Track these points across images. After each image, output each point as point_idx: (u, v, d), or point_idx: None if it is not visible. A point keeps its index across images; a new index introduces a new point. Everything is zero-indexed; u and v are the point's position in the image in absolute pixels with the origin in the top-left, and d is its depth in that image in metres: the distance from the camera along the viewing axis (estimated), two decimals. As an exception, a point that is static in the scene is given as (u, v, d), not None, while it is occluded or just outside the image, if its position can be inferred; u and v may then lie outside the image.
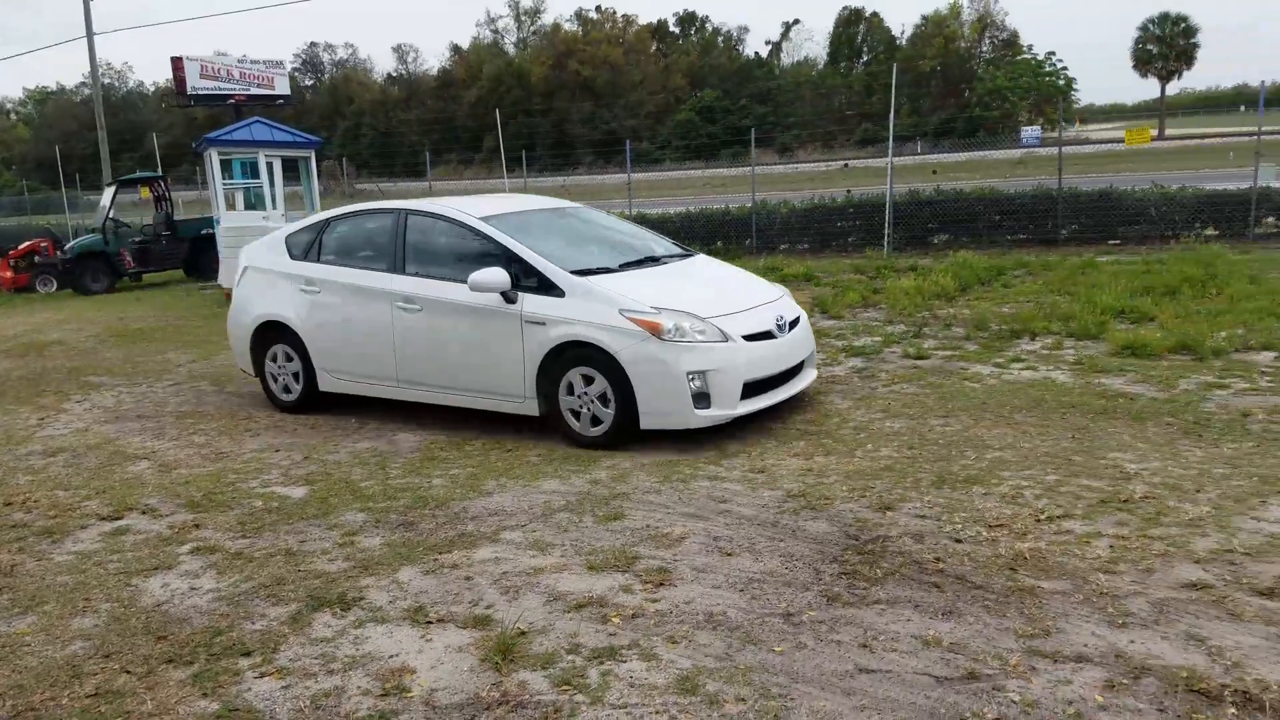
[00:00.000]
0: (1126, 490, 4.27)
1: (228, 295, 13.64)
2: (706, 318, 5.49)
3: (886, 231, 14.66)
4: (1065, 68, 62.28)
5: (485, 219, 6.14)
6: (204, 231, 17.59)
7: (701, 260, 6.80)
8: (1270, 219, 13.81)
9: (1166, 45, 64.71)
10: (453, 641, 3.29)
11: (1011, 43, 69.66)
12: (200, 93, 30.54)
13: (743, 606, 3.41)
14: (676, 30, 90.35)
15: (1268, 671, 2.76)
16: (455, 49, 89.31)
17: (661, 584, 3.63)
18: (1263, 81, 17.31)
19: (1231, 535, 3.70)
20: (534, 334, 5.63)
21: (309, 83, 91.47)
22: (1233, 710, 2.59)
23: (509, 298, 5.69)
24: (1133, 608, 3.21)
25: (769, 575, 3.65)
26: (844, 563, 3.72)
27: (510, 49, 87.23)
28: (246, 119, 16.42)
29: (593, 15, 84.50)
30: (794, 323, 6.02)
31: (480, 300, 5.78)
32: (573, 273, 5.72)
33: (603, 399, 5.51)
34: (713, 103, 71.97)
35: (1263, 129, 15.59)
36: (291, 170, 17.42)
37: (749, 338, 5.55)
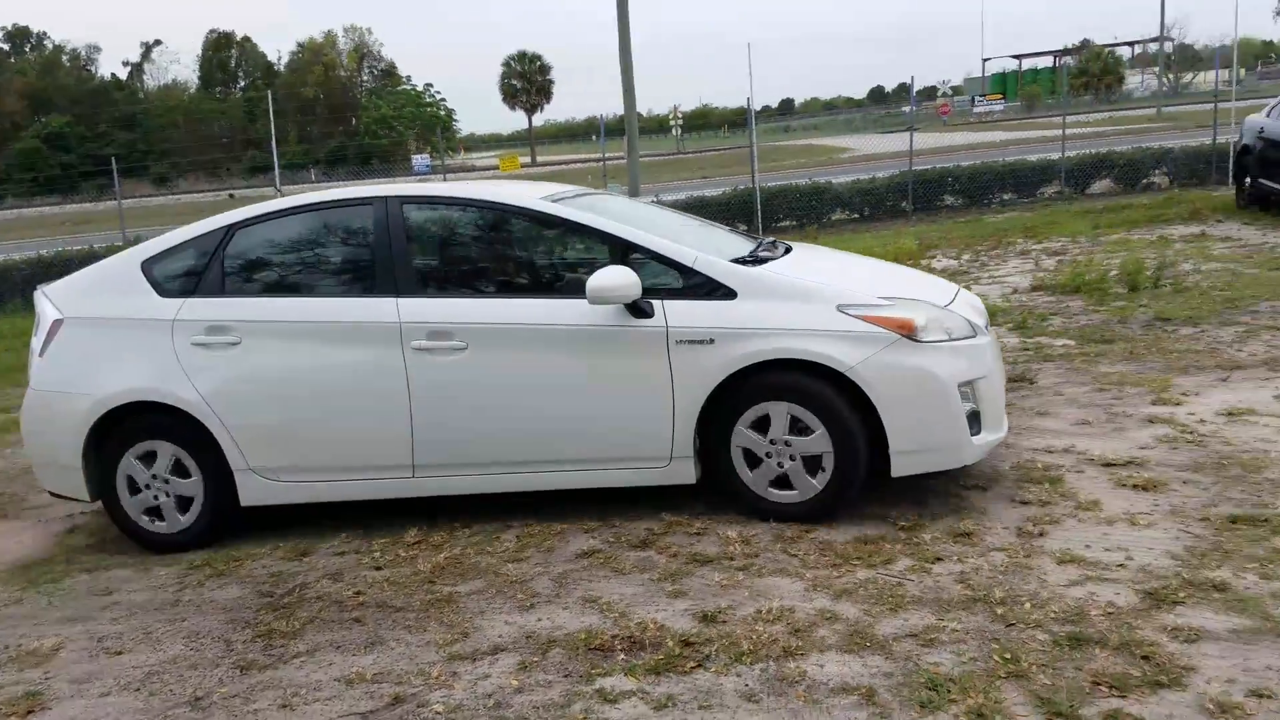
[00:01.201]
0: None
1: None
2: (945, 306, 4.06)
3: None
4: (444, 99, 67.33)
5: (551, 199, 4.33)
6: None
7: (808, 247, 5.36)
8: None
9: (528, 81, 73.81)
10: None
11: (390, 73, 73.17)
12: None
13: (139, 708, 2.98)
14: (7, 47, 76.76)
15: (645, 613, 3.26)
16: None
17: (30, 712, 3.01)
18: (601, 115, 20.75)
19: (609, 501, 4.31)
20: (693, 358, 3.88)
21: None
22: (623, 656, 3.00)
23: (641, 309, 3.90)
24: (538, 588, 3.55)
25: (171, 663, 3.26)
26: (258, 625, 3.49)
27: None
28: None
29: None
30: None
31: (588, 319, 3.94)
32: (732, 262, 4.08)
33: (809, 446, 3.85)
34: (64, 129, 62.73)
35: (606, 155, 18.73)
36: None
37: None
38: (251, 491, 4.26)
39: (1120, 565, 3.29)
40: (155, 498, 4.31)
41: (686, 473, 4.01)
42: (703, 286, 3.94)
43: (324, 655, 3.21)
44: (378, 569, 3.88)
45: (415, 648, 3.19)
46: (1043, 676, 2.65)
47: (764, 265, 4.16)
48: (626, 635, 3.11)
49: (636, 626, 3.16)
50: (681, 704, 2.70)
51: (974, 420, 3.84)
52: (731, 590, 3.37)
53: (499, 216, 4.46)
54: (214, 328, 4.22)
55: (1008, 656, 2.77)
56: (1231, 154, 13.14)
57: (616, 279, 3.81)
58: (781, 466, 3.88)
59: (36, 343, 4.49)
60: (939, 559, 3.47)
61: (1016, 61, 72.68)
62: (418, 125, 61.99)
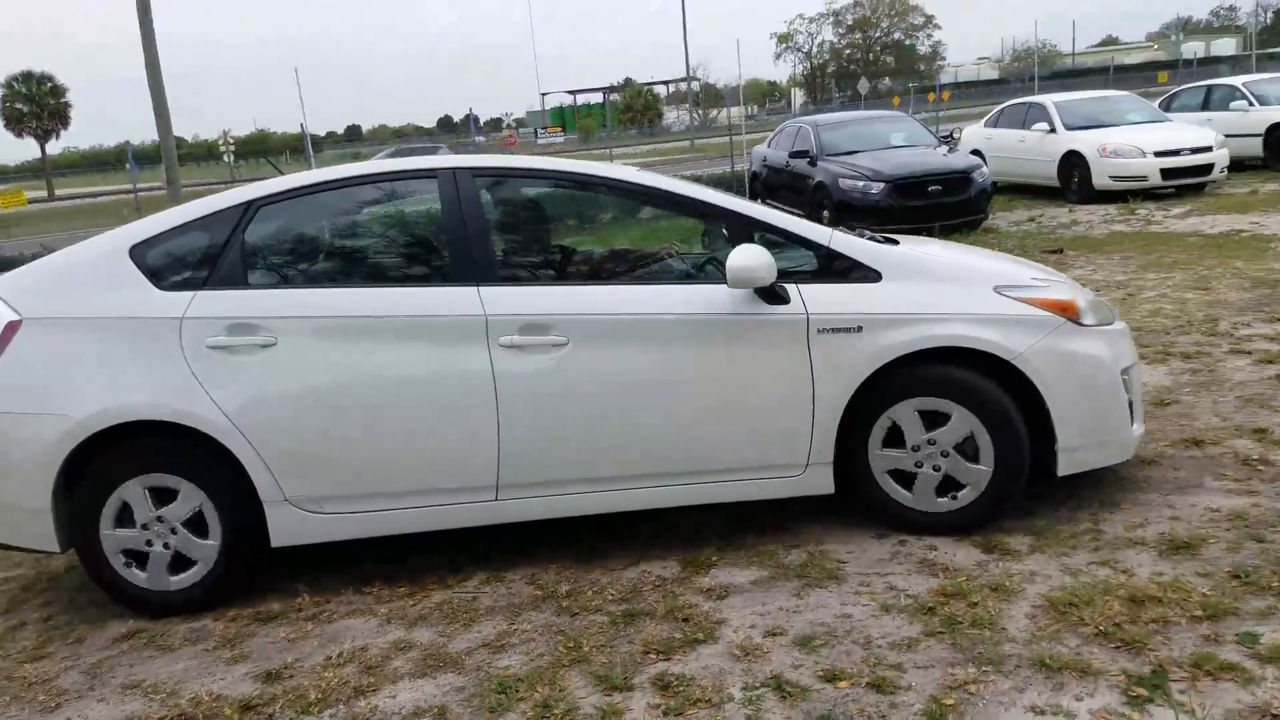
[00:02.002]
0: (47, 567, 4.10)
1: None
2: (1085, 289, 3.90)
3: None
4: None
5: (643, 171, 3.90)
6: None
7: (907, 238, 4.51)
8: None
9: (37, 104, 64.12)
10: None
11: None
12: None
13: None
14: None
15: (199, 686, 2.99)
16: None
17: None
18: (130, 142, 18.71)
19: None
20: (837, 349, 3.43)
21: None
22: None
23: (777, 294, 3.43)
24: (66, 684, 3.10)
25: None
26: None
27: None
28: None
29: None
30: None
31: (714, 307, 3.47)
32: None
33: (964, 446, 3.46)
34: None
35: (139, 187, 16.90)
36: None
37: None
38: (287, 528, 3.48)
39: (666, 543, 3.70)
40: (149, 544, 3.48)
41: (824, 482, 3.56)
42: (841, 268, 3.55)
43: None
44: None
45: (-110, 791, 2.62)
46: (601, 656, 2.89)
47: (900, 245, 3.82)
48: (178, 714, 2.84)
49: (189, 703, 2.89)
50: (243, 772, 2.53)
51: (1130, 410, 3.62)
52: (299, 643, 3.22)
53: (591, 192, 3.99)
54: (238, 326, 3.43)
55: (571, 645, 2.97)
56: (746, 180, 15.40)
57: (757, 259, 3.34)
58: (936, 470, 3.50)
59: None
60: (512, 566, 3.63)
61: (572, 97, 78.53)
62: (-116, 156, 50.88)
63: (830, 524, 3.70)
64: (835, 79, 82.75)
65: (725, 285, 3.40)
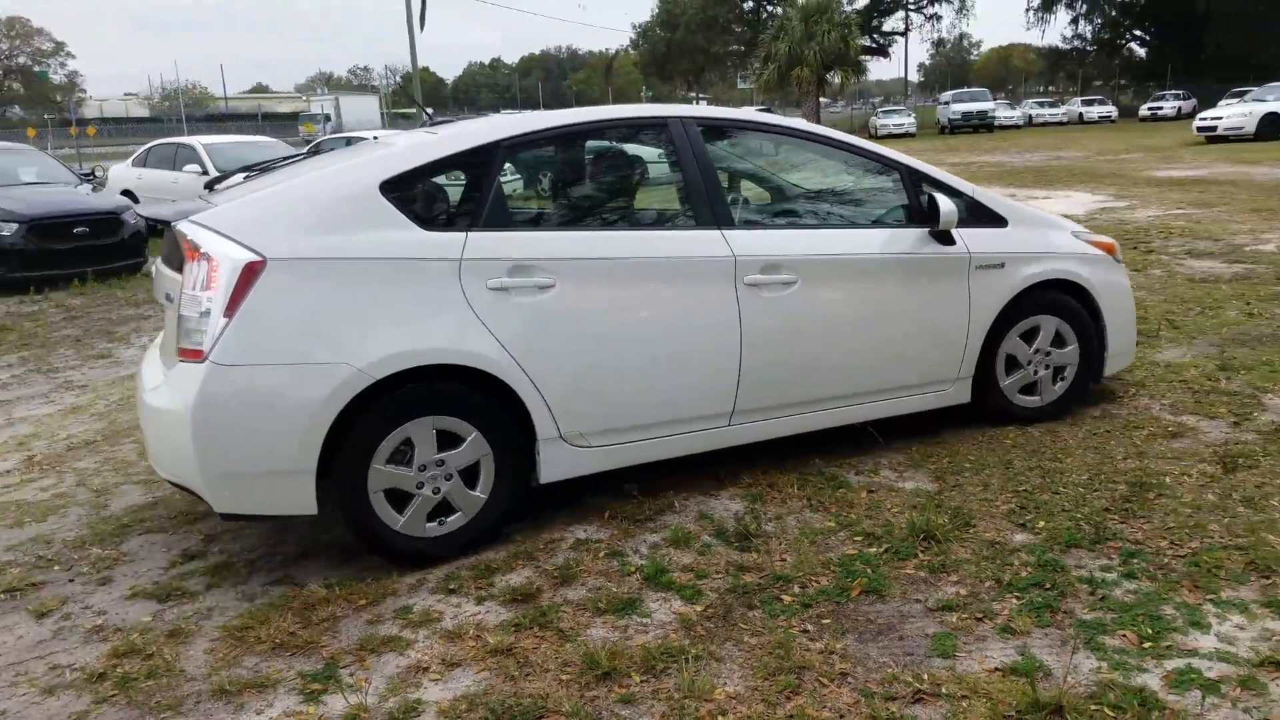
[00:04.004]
0: None
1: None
2: None
3: None
4: None
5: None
6: None
7: None
8: None
9: None
10: None
11: None
12: None
13: None
14: None
15: None
16: None
17: None
18: None
19: None
20: (987, 282, 4.27)
21: None
22: None
23: (950, 237, 4.17)
24: None
25: None
26: None
27: None
28: None
29: None
30: None
31: (909, 247, 4.13)
32: None
33: (1057, 347, 4.54)
34: None
35: None
36: None
37: None
38: (557, 465, 3.61)
39: None
40: (420, 486, 3.36)
41: (964, 394, 4.37)
42: (980, 215, 4.28)
43: None
44: None
45: None
46: None
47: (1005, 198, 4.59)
48: None
49: None
50: None
51: None
52: None
53: (795, 143, 4.33)
54: (519, 268, 3.44)
55: None
56: None
57: (952, 207, 4.06)
58: (1047, 368, 4.50)
59: (206, 298, 3.09)
60: None
61: None
62: None
63: (-31, 620, 3.23)
64: (-55, 102, 70.90)
65: (909, 228, 4.12)
